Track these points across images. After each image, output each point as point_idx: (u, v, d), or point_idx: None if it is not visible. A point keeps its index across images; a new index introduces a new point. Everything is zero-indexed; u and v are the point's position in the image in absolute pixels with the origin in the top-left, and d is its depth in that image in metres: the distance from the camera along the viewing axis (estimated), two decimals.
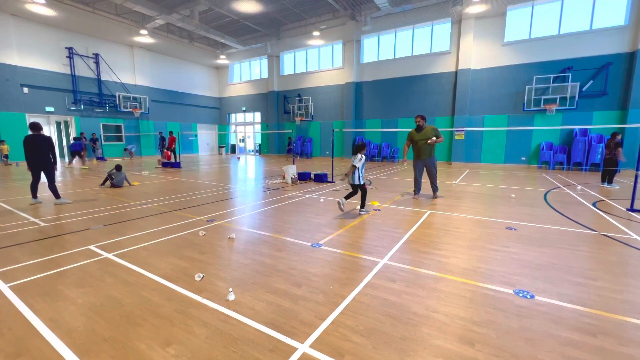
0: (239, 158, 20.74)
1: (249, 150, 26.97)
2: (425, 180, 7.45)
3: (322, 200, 6.69)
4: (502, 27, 14.67)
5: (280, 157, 22.04)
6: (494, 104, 15.20)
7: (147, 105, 21.03)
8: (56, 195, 6.26)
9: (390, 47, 18.16)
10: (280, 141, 23.78)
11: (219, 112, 27.43)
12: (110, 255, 3.49)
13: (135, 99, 20.40)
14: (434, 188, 6.89)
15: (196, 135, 25.76)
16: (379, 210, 5.78)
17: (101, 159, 18.35)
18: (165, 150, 16.55)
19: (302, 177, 9.56)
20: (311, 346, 1.98)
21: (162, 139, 18.71)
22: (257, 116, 25.06)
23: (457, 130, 15.63)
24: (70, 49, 17.38)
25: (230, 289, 2.60)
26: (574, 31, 13.32)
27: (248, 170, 13.53)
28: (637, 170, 5.70)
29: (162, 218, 5.16)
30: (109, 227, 4.64)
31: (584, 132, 13.30)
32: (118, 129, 20.31)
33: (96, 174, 11.50)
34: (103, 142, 19.37)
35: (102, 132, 19.33)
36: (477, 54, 15.28)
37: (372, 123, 18.92)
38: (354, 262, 3.34)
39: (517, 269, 3.16)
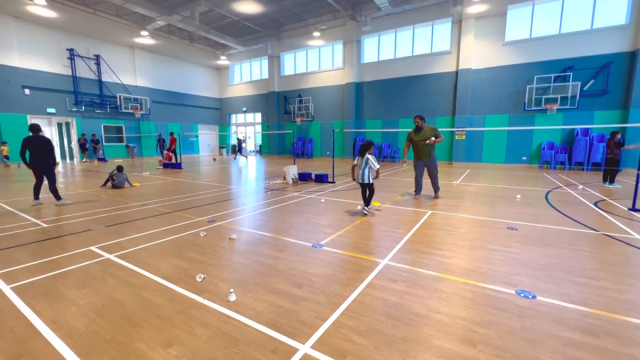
0: (235, 158, 20.60)
1: (250, 151, 26.99)
2: (426, 181, 7.45)
3: (322, 200, 6.69)
4: (502, 26, 14.65)
5: (282, 157, 22.05)
6: (495, 103, 15.18)
7: (148, 106, 21.08)
8: (57, 196, 6.27)
9: (391, 47, 18.15)
10: (280, 142, 23.80)
11: (219, 112, 27.46)
12: (111, 256, 3.49)
13: (136, 100, 20.44)
14: (435, 188, 6.88)
15: (197, 136, 25.79)
16: (379, 210, 5.77)
17: (102, 159, 18.39)
18: (167, 151, 16.59)
19: (303, 177, 9.56)
20: (312, 347, 1.98)
21: (161, 140, 18.75)
22: (258, 117, 25.08)
23: (457, 130, 15.62)
24: (71, 50, 17.44)
25: (232, 290, 2.60)
26: (575, 30, 13.30)
27: (249, 171, 13.54)
28: (638, 169, 5.68)
29: (163, 219, 5.16)
30: (110, 228, 4.65)
31: (585, 132, 13.27)
32: (119, 130, 20.36)
33: (97, 174, 11.52)
34: (104, 143, 19.42)
35: (103, 133, 19.37)
36: (478, 54, 15.27)
37: (373, 123, 18.92)
38: (355, 263, 3.33)
39: (518, 269, 3.16)
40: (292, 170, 9.18)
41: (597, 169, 12.71)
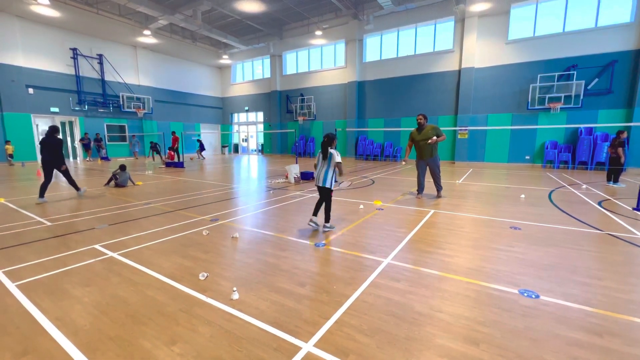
0: (200, 157, 20.48)
1: (252, 150, 27.02)
2: (429, 180, 7.43)
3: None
4: (505, 25, 14.56)
5: (284, 156, 22.06)
6: (498, 102, 15.10)
7: (151, 105, 21.13)
8: (76, 188, 6.89)
9: (393, 46, 18.09)
10: (283, 141, 23.80)
11: (221, 112, 27.49)
12: (115, 255, 3.51)
13: (138, 99, 20.50)
14: (438, 187, 6.86)
15: (199, 135, 25.84)
16: (382, 209, 5.77)
17: (105, 158, 18.47)
18: (169, 150, 16.64)
19: (305, 176, 9.57)
20: (315, 345, 1.98)
21: (155, 145, 18.80)
22: (260, 116, 25.10)
23: (460, 129, 15.55)
24: (74, 49, 17.50)
25: (235, 288, 2.61)
26: (579, 29, 13.19)
27: (251, 169, 13.56)
28: None
29: (166, 217, 5.18)
30: (114, 226, 4.67)
31: (589, 131, 13.17)
32: (122, 129, 20.43)
33: (100, 173, 11.58)
34: (107, 142, 19.50)
35: (106, 132, 19.45)
36: (481, 53, 15.19)
37: (375, 122, 18.88)
38: (358, 262, 3.33)
39: (521, 268, 3.15)
40: (294, 169, 9.18)
41: (601, 168, 12.62)
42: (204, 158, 20.98)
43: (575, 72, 13.13)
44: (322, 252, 3.61)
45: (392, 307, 2.44)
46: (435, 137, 6.41)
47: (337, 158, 4.21)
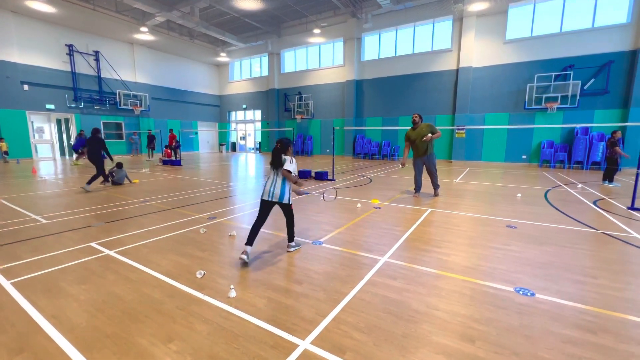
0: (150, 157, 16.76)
1: (250, 148, 26.95)
2: (426, 179, 7.45)
3: (322, 198, 6.69)
4: (503, 25, 14.60)
5: None
6: (495, 102, 15.16)
7: (148, 102, 21.00)
8: (89, 182, 7.44)
9: (391, 44, 18.09)
10: None
11: (219, 109, 27.39)
12: (111, 253, 3.50)
13: (135, 96, 20.36)
14: (435, 186, 6.89)
15: (196, 133, 25.74)
16: (379, 208, 5.78)
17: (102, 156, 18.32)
18: (165, 148, 16.55)
19: (303, 174, 9.56)
20: (312, 343, 1.99)
21: (152, 137, 18.65)
22: (258, 114, 25.02)
23: (457, 129, 15.60)
24: (70, 46, 17.34)
25: (232, 286, 2.61)
26: (576, 29, 13.25)
27: (248, 168, 13.53)
28: (638, 168, 5.69)
29: (163, 215, 5.16)
30: (110, 224, 4.65)
31: (585, 131, 13.27)
32: (118, 126, 20.30)
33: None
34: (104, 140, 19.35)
35: (102, 130, 19.31)
36: (479, 52, 15.22)
37: (373, 121, 18.89)
38: (355, 260, 3.34)
39: (517, 266, 3.17)
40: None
41: (597, 167, 12.73)
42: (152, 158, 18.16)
43: (572, 72, 13.20)
44: (319, 250, 3.62)
45: (389, 304, 2.45)
46: (429, 135, 6.42)
47: (288, 165, 3.36)
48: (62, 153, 18.62)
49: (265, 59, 23.48)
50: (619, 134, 8.60)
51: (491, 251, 3.60)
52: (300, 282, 2.82)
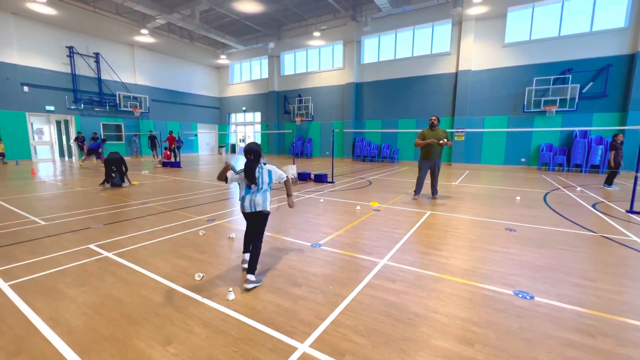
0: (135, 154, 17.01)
1: None
2: (425, 181, 7.47)
3: (322, 200, 6.69)
4: (502, 28, 14.68)
5: (281, 157, 22.04)
6: (494, 105, 15.21)
7: (147, 104, 21.02)
8: (107, 180, 8.14)
9: (391, 47, 18.16)
10: (280, 141, 23.79)
11: (219, 112, 27.43)
12: (110, 254, 3.49)
13: (135, 98, 20.38)
14: (434, 190, 6.91)
15: (196, 135, 25.75)
16: (378, 210, 5.78)
17: (101, 158, 18.30)
18: (165, 150, 16.55)
19: (302, 177, 9.56)
20: (311, 346, 1.98)
21: (153, 137, 18.66)
22: (257, 116, 25.06)
23: (457, 131, 15.64)
24: (70, 48, 17.38)
25: (230, 289, 2.60)
26: (574, 33, 13.33)
27: None
28: (636, 172, 5.71)
29: (162, 217, 5.16)
30: (109, 226, 4.64)
31: (584, 134, 13.31)
32: (118, 128, 20.30)
33: (96, 172, 11.49)
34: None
35: (102, 132, 19.31)
36: (478, 55, 15.29)
37: (372, 124, 18.93)
38: (354, 263, 3.34)
39: (516, 269, 3.17)
40: (292, 170, 9.17)
41: (596, 170, 12.76)
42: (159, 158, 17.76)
43: (570, 76, 13.26)
44: (318, 253, 3.61)
45: (388, 307, 2.44)
46: (445, 140, 6.49)
47: (282, 175, 3.14)
48: (62, 154, 18.60)
49: (265, 62, 23.55)
50: (620, 137, 8.58)
51: (490, 254, 3.60)
52: (299, 285, 2.82)
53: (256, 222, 3.02)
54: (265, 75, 23.69)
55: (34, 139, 16.83)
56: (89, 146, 14.27)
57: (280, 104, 23.04)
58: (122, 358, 1.87)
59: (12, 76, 15.36)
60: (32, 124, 16.61)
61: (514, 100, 14.67)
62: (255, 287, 2.77)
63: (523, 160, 14.78)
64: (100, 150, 13.90)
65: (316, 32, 18.26)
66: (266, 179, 3.02)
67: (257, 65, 24.70)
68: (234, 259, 3.44)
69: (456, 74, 15.90)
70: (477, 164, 15.87)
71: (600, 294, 2.68)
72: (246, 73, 25.59)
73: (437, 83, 16.59)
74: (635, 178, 5.71)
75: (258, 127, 25.17)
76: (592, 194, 7.64)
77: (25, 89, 15.96)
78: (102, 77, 18.91)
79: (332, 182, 9.25)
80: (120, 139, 20.44)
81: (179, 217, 5.20)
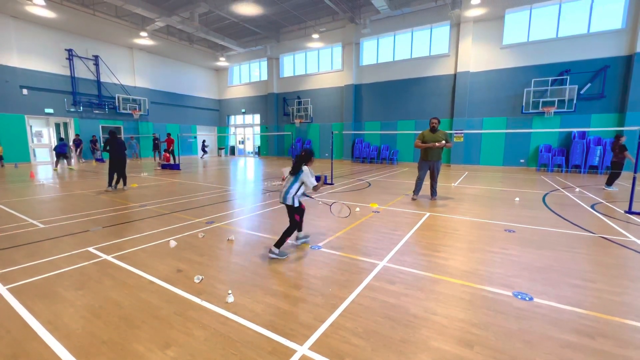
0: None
1: (249, 152, 26.96)
2: (424, 183, 7.48)
3: (320, 202, 6.69)
4: (500, 30, 14.74)
5: (280, 158, 22.03)
6: (493, 106, 15.25)
7: (147, 107, 21.04)
8: (125, 182, 8.37)
9: (390, 49, 18.22)
10: (279, 143, 23.80)
11: (218, 114, 27.45)
12: (109, 257, 3.48)
13: (134, 100, 20.40)
14: (434, 191, 6.92)
15: (195, 137, 25.76)
16: (378, 212, 5.78)
17: (100, 160, 18.31)
18: (164, 152, 16.54)
19: None
20: (310, 348, 1.98)
21: (156, 139, 18.65)
22: (257, 118, 25.09)
23: (456, 133, 15.65)
24: (70, 50, 17.40)
25: (230, 291, 2.60)
26: (572, 34, 13.39)
27: (247, 172, 13.52)
28: (635, 172, 5.72)
29: (161, 220, 5.15)
30: (108, 229, 4.63)
31: (582, 135, 13.35)
32: (117, 130, 20.29)
33: (94, 175, 11.48)
34: (102, 144, 19.35)
35: (101, 134, 19.30)
36: (476, 57, 15.35)
37: (372, 125, 18.96)
38: (353, 264, 3.34)
39: (515, 271, 3.17)
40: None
41: (594, 171, 12.79)
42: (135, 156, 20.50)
43: (568, 77, 13.31)
44: (317, 255, 3.61)
45: (387, 309, 2.44)
46: (443, 142, 6.51)
47: (311, 181, 3.66)
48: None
49: (264, 64, 23.60)
50: (624, 138, 8.55)
51: (489, 255, 3.61)
52: (299, 287, 2.81)
53: (287, 211, 3.72)
54: (265, 77, 23.74)
55: (33, 142, 16.81)
56: (54, 149, 13.66)
57: (279, 105, 23.08)
58: None
59: (11, 79, 15.36)
60: (31, 126, 16.59)
61: (513, 101, 14.72)
62: (275, 258, 3.43)
63: (522, 161, 14.81)
64: (68, 153, 13.66)
65: (315, 35, 18.32)
66: (296, 177, 3.63)
67: (256, 67, 24.75)
68: (233, 261, 3.44)
69: (455, 75, 15.95)
70: (476, 165, 15.89)
71: (600, 295, 2.68)
72: (245, 75, 25.64)
73: (436, 85, 16.64)
74: (634, 179, 5.72)
75: (257, 129, 25.19)
76: (591, 195, 7.65)
77: (25, 91, 15.96)
78: (101, 80, 18.93)
79: (332, 184, 9.25)
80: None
81: (178, 219, 5.19)
